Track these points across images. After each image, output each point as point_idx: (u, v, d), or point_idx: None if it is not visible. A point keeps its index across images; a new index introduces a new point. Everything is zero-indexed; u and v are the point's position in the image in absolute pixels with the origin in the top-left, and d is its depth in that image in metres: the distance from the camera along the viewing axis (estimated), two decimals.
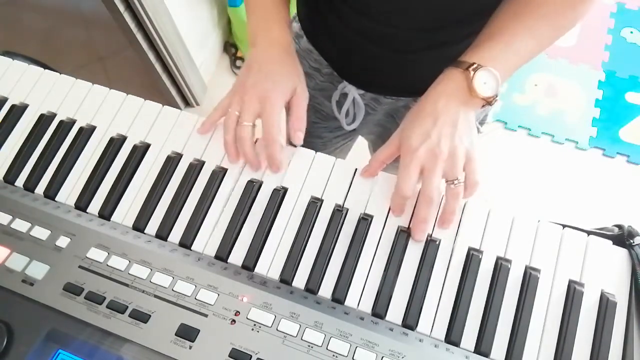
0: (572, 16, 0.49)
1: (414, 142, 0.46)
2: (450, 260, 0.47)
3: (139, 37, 1.32)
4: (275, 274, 0.47)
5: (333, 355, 0.42)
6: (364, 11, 0.55)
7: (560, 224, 0.48)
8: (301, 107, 0.54)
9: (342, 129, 0.77)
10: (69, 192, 0.52)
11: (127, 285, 0.45)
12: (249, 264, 0.47)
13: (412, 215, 0.49)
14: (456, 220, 0.48)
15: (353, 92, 0.68)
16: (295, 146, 0.53)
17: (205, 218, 0.50)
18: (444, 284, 0.46)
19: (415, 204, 0.48)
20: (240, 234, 0.49)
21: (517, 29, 0.48)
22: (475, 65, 0.46)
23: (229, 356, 0.41)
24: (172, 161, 0.53)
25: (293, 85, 0.53)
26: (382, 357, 0.42)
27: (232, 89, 0.54)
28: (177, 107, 1.20)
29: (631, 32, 1.86)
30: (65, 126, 0.56)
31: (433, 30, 0.55)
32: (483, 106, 0.48)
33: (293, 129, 0.53)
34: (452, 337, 0.44)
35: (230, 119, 0.51)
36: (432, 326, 0.44)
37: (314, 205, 0.49)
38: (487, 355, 0.43)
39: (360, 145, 1.02)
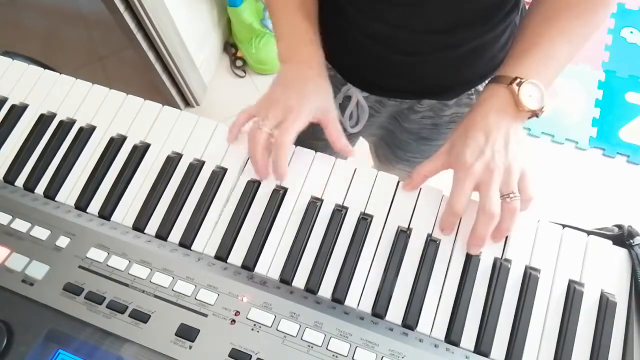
0: (604, 11, 0.49)
1: (468, 157, 0.45)
2: (450, 260, 0.47)
3: (139, 37, 1.32)
4: (275, 274, 0.47)
5: (333, 355, 0.42)
6: (372, 14, 0.55)
7: (560, 224, 0.48)
8: (333, 124, 0.54)
9: (345, 131, 0.77)
10: (69, 192, 0.52)
11: (127, 285, 0.45)
12: (249, 264, 0.47)
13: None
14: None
15: (357, 94, 0.68)
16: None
17: (205, 218, 0.50)
18: (444, 284, 0.46)
19: (476, 220, 0.45)
20: (240, 234, 0.49)
21: (552, 35, 0.48)
22: (518, 80, 0.46)
23: (229, 356, 0.41)
24: (172, 161, 0.53)
25: (320, 104, 0.52)
26: (382, 357, 0.42)
27: (258, 101, 0.53)
28: (177, 107, 1.20)
29: (631, 32, 1.86)
30: (65, 126, 0.56)
31: (441, 33, 0.55)
32: (529, 117, 0.48)
33: (338, 147, 0.53)
34: (452, 337, 0.44)
35: (255, 130, 0.51)
36: (432, 326, 0.44)
37: (314, 205, 0.49)
38: (487, 355, 0.43)
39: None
